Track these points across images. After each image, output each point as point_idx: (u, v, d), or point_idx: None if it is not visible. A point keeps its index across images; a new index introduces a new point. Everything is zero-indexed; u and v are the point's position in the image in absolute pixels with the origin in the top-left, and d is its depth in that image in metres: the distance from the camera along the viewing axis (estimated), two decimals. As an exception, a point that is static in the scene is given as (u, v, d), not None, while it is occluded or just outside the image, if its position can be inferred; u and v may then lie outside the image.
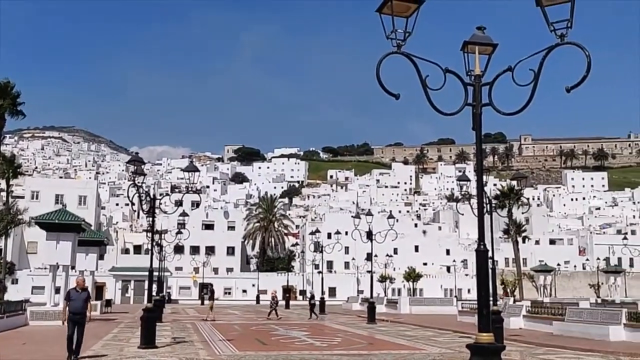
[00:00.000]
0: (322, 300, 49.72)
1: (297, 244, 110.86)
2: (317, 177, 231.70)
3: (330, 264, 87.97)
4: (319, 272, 60.98)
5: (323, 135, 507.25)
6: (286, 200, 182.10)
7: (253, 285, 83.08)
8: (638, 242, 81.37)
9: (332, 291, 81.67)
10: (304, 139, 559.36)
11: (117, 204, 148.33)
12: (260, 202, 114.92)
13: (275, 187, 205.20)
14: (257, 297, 77.64)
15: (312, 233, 60.19)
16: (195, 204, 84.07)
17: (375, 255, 52.72)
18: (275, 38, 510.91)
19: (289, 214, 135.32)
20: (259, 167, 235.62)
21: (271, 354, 17.64)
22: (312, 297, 44.38)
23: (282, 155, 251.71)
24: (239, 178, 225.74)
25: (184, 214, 38.96)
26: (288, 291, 70.60)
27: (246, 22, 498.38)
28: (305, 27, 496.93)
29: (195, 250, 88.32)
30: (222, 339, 22.73)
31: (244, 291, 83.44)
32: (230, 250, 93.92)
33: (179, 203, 23.47)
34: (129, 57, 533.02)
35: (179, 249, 68.66)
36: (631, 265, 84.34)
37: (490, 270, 22.99)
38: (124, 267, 77.74)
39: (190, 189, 20.07)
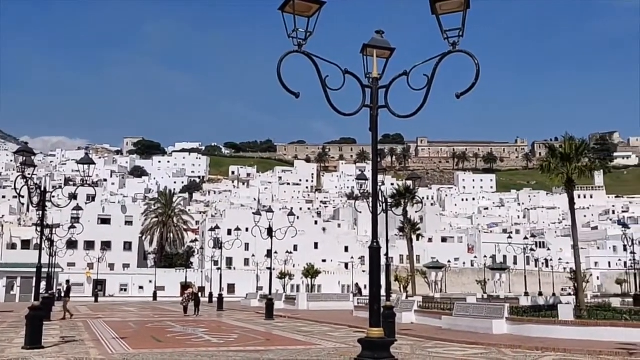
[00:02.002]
0: (221, 297, 49.31)
1: (196, 240, 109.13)
2: (218, 172, 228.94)
3: (230, 261, 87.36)
4: (218, 269, 60.38)
5: (226, 130, 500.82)
6: (186, 195, 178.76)
7: (150, 282, 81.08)
8: (521, 241, 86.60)
9: (232, 288, 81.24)
10: (206, 133, 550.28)
11: (3, 197, 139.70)
12: (159, 197, 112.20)
13: (175, 182, 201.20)
14: (155, 293, 75.79)
15: (212, 229, 59.20)
16: (91, 198, 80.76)
17: (275, 252, 52.83)
18: (180, 31, 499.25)
19: (189, 210, 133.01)
20: (159, 161, 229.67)
21: (166, 351, 17.35)
22: (195, 293, 43.00)
23: (183, 150, 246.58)
24: (138, 172, 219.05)
25: (78, 208, 37.37)
26: (186, 287, 69.32)
27: (151, 13, 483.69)
28: (211, 22, 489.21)
29: (90, 245, 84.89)
30: (115, 337, 22.07)
31: (141, 287, 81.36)
32: (127, 246, 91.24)
33: (72, 196, 22.44)
34: (23, 41, 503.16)
35: (72, 244, 65.52)
36: (515, 263, 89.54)
37: (386, 267, 23.77)
38: (10, 263, 73.32)
39: (85, 182, 19.31)
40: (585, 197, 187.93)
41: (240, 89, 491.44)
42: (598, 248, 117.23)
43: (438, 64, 8.57)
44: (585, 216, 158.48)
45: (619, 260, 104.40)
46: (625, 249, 73.40)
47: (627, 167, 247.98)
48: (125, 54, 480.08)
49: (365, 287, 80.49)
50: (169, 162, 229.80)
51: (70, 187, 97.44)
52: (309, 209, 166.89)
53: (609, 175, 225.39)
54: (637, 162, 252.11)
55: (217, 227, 58.88)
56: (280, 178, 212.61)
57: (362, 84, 9.14)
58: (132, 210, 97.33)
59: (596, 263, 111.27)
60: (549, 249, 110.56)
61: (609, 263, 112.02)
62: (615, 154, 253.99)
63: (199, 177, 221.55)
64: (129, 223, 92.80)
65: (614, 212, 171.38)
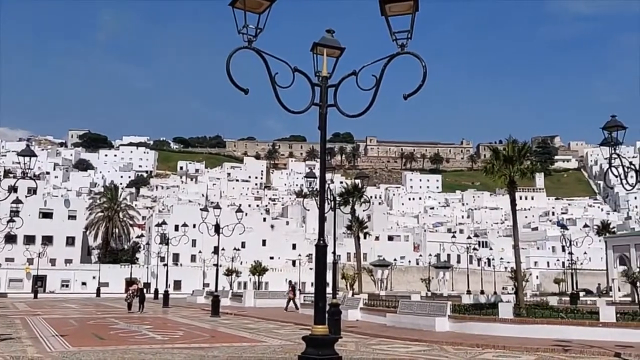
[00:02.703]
0: (166, 294, 48.73)
1: (142, 235, 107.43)
2: (166, 167, 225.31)
3: (176, 257, 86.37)
4: (165, 265, 59.67)
5: (175, 125, 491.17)
6: (133, 190, 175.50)
7: (94, 278, 79.33)
8: (465, 240, 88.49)
9: (178, 284, 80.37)
10: (154, 128, 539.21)
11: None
12: (105, 191, 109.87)
13: (122, 176, 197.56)
14: (98, 289, 74.17)
15: (158, 225, 58.58)
16: (32, 191, 78.49)
17: (223, 249, 52.54)
18: (132, 23, 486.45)
19: (136, 205, 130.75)
20: (106, 155, 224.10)
21: (108, 348, 17.04)
22: (140, 289, 42.01)
23: (131, 144, 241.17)
24: (84, 165, 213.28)
25: (17, 201, 36.23)
26: (131, 283, 68.17)
27: (103, 4, 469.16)
28: (163, 15, 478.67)
29: (30, 240, 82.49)
30: (55, 334, 21.53)
31: (84, 284, 79.56)
32: (70, 241, 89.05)
33: (12, 189, 21.74)
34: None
35: (10, 239, 63.39)
36: (458, 262, 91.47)
37: (332, 265, 23.96)
38: (-56, 257, 70.56)
39: (26, 174, 18.74)
40: (526, 198, 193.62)
41: (191, 83, 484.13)
42: (538, 248, 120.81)
43: (386, 65, 8.69)
44: (526, 217, 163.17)
45: (557, 260, 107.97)
46: (563, 250, 75.83)
47: (567, 170, 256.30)
48: (73, 43, 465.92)
49: (312, 284, 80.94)
50: (115, 155, 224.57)
51: (9, 179, 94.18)
52: (257, 205, 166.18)
53: (550, 177, 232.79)
54: (577, 166, 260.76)
55: (164, 223, 58.40)
56: (229, 174, 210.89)
57: (312, 82, 9.17)
58: (75, 204, 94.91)
59: (536, 262, 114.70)
60: (491, 249, 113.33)
61: (548, 263, 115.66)
62: (556, 157, 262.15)
63: (147, 172, 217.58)
64: (72, 217, 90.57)
65: (553, 214, 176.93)
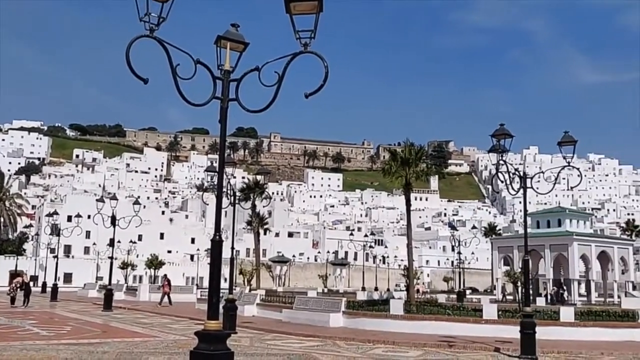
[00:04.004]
0: (55, 287, 46.61)
1: (31, 225, 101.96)
2: (61, 155, 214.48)
3: (68, 249, 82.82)
4: (55, 257, 56.99)
5: (72, 111, 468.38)
6: (23, 177, 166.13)
7: (-27, 270, 74.44)
8: (362, 238, 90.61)
9: (68, 277, 77.16)
10: (49, 113, 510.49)
11: None
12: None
13: (10, 163, 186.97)
14: (-23, 282, 69.68)
15: (49, 215, 55.84)
16: None
17: (118, 241, 50.77)
18: (29, 3, 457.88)
19: (25, 193, 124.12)
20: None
21: (-14, 344, 16.08)
22: (26, 282, 38.98)
23: (22, 128, 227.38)
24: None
25: None
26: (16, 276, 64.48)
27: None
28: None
29: None
30: None
31: (-39, 276, 74.34)
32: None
33: None
34: None
35: None
36: (355, 259, 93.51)
37: (230, 260, 23.84)
38: None
39: None
40: (421, 199, 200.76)
41: (91, 69, 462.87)
42: (430, 247, 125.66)
43: (289, 62, 8.77)
44: (420, 217, 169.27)
45: (447, 259, 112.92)
46: (453, 249, 79.41)
47: (459, 174, 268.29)
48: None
49: (204, 280, 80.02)
50: (4, 140, 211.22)
51: None
52: (156, 198, 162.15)
53: (443, 180, 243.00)
54: (468, 170, 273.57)
55: (56, 213, 55.79)
56: (128, 165, 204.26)
57: (214, 75, 9.12)
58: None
59: (427, 261, 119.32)
60: (386, 247, 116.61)
61: (439, 261, 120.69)
62: (450, 161, 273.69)
63: (39, 159, 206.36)
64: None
65: (445, 215, 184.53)
